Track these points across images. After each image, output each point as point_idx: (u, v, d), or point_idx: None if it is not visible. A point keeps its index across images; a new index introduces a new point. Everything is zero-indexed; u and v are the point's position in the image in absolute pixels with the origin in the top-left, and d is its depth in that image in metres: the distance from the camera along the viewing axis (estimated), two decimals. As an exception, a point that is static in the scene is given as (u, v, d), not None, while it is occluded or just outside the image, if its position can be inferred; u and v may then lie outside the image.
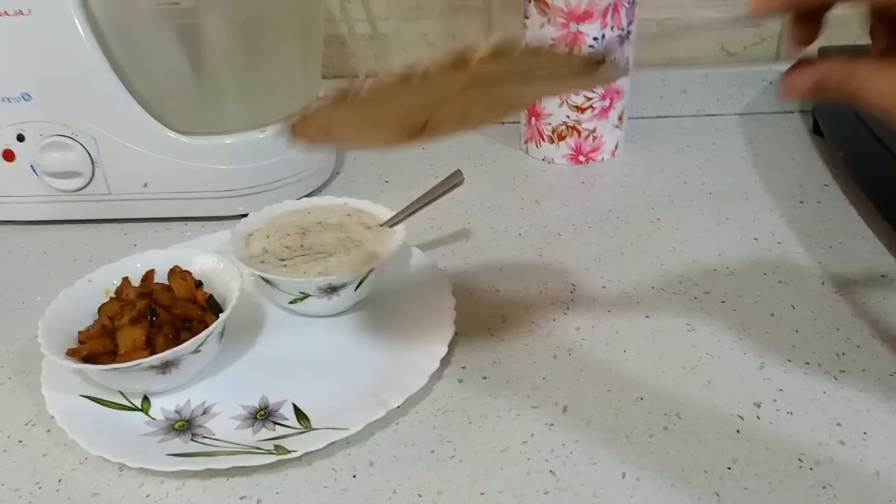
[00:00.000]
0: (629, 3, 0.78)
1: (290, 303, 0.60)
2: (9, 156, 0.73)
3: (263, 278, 0.59)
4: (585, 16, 0.78)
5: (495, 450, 0.48)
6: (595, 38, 0.78)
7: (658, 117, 0.97)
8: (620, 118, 0.85)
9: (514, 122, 0.96)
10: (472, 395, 0.52)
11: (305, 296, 0.59)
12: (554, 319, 0.60)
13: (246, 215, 0.65)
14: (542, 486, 0.45)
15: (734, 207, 0.75)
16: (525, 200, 0.78)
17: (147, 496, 0.46)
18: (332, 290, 0.58)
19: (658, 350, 0.56)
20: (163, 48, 0.73)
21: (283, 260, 0.60)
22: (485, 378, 0.54)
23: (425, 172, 0.85)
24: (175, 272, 0.58)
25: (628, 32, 0.80)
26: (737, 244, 0.69)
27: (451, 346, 0.56)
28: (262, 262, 0.60)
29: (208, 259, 0.60)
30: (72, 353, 0.51)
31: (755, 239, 0.69)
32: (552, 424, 0.50)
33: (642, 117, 0.97)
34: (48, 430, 0.51)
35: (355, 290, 0.59)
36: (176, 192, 0.74)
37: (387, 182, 0.84)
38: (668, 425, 0.49)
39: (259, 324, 0.60)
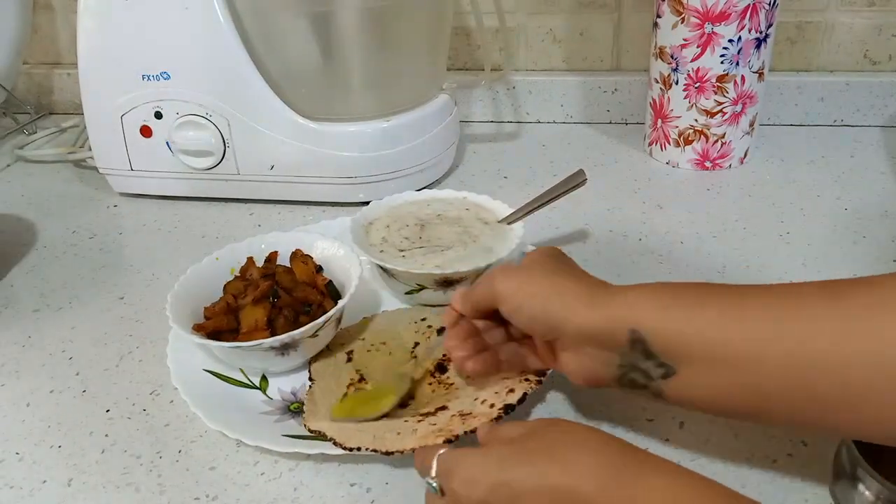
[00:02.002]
0: (769, 4, 0.75)
1: (406, 293, 0.60)
2: (146, 132, 0.76)
3: (382, 267, 0.59)
4: (722, 17, 0.75)
5: (607, 461, 0.47)
6: (730, 41, 0.75)
7: (792, 125, 0.93)
8: (752, 124, 0.82)
9: (638, 123, 0.94)
10: (585, 403, 0.51)
11: (421, 287, 0.59)
12: (673, 330, 0.58)
13: (366, 203, 0.66)
14: (655, 503, 0.44)
15: (872, 226, 0.71)
16: (647, 205, 0.76)
17: (261, 474, 0.47)
18: (448, 283, 0.58)
19: (784, 371, 0.53)
20: (296, 35, 0.75)
21: (402, 251, 0.60)
22: (599, 386, 0.53)
23: (544, 170, 0.84)
24: (297, 256, 0.59)
25: (766, 36, 0.77)
26: (874, 265, 0.65)
27: (566, 349, 0.55)
28: (382, 251, 0.60)
29: (329, 244, 0.60)
30: (197, 329, 0.53)
31: (895, 261, 0.65)
32: (668, 440, 0.48)
33: (775, 124, 0.92)
34: (171, 401, 0.53)
35: (471, 285, 0.59)
36: (300, 175, 0.76)
37: (505, 177, 0.83)
38: (794, 452, 0.46)
39: (374, 311, 0.61)
